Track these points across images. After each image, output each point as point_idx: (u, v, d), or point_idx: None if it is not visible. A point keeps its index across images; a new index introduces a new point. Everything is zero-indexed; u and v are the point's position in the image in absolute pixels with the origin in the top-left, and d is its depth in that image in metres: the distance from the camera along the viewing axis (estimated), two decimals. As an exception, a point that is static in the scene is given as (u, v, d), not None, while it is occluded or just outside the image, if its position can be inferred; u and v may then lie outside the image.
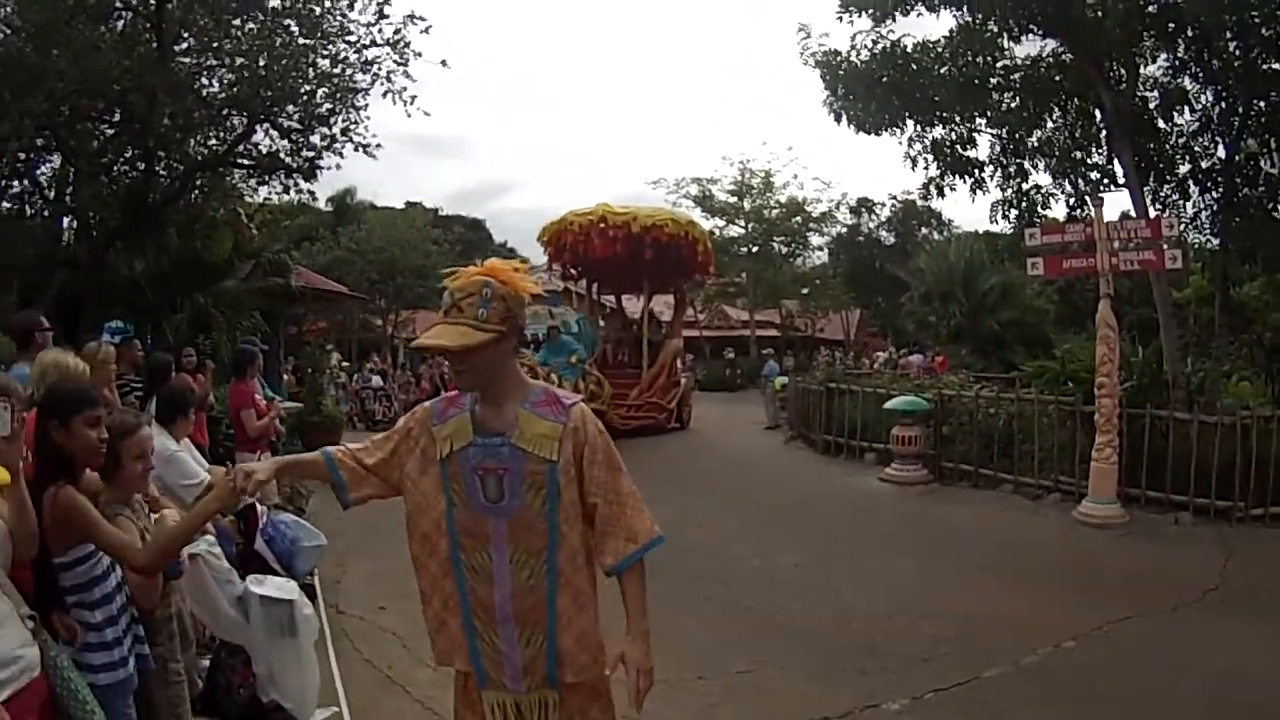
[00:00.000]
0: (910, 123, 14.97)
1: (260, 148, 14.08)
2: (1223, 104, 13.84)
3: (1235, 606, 7.27)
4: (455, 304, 2.69)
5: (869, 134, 15.02)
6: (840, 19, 14.47)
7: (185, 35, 12.86)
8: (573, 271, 21.65)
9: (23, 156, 12.88)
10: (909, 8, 13.85)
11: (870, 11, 14.11)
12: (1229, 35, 12.90)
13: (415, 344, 3.05)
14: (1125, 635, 6.52)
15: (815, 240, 44.93)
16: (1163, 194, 14.70)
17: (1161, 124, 14.40)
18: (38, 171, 13.91)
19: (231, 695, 4.60)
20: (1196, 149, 14.42)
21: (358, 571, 8.44)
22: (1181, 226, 13.59)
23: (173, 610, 3.81)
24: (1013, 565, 8.71)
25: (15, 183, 13.78)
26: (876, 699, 5.46)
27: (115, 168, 14.11)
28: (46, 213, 14.32)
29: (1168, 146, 14.47)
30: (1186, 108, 14.16)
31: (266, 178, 14.63)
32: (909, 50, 14.24)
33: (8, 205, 13.97)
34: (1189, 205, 14.74)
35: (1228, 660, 5.99)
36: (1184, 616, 7.01)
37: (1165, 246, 10.95)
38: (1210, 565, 8.44)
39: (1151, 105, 14.29)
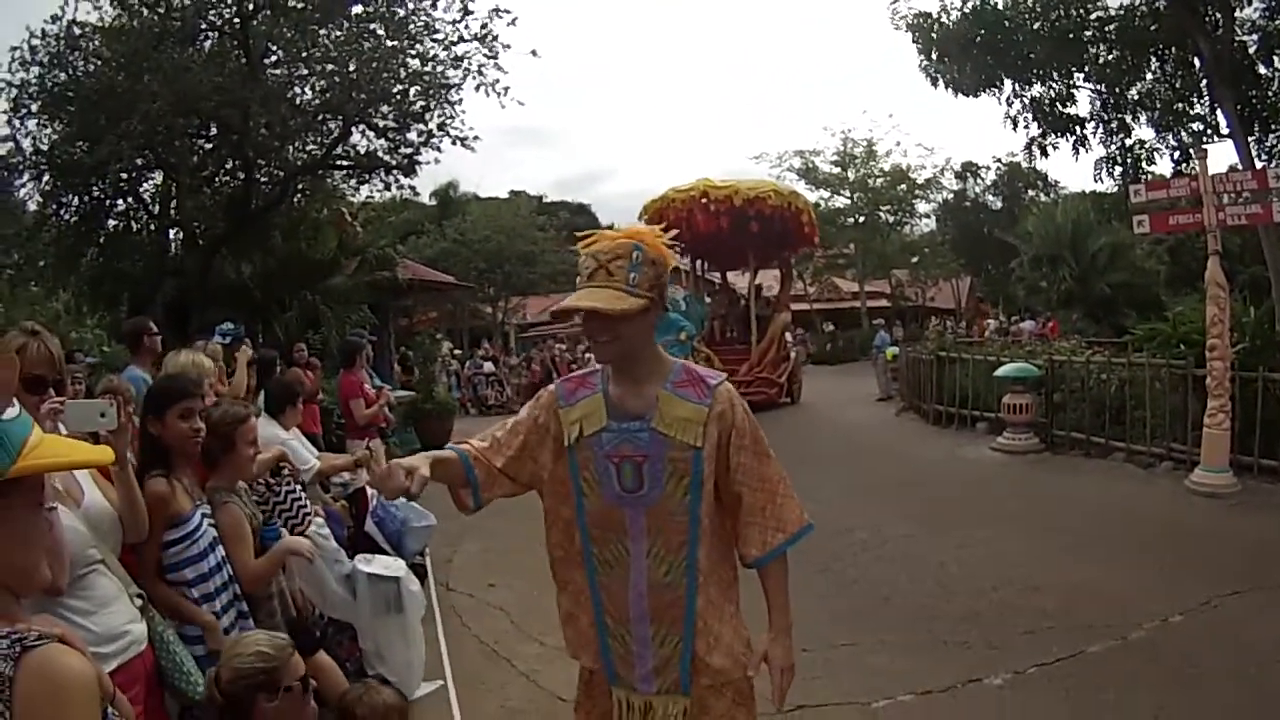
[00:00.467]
0: (1008, 82, 14.77)
1: (358, 148, 14.56)
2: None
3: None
4: (602, 265, 2.49)
5: (967, 96, 14.85)
6: (928, -21, 14.24)
7: (273, 48, 13.35)
8: (676, 248, 21.03)
9: (125, 175, 13.52)
10: (998, -40, 13.60)
11: (958, -34, 13.87)
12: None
13: (562, 306, 2.62)
14: (1233, 610, 6.26)
15: (921, 208, 44.19)
16: (1268, 143, 14.22)
17: (1262, 70, 13.89)
18: (141, 189, 14.57)
19: (341, 669, 4.80)
20: (1299, 94, 13.90)
21: (469, 550, 8.65)
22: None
23: (274, 589, 3.98)
24: (1121, 536, 8.45)
25: (120, 200, 14.46)
26: (978, 673, 5.42)
27: (216, 179, 14.79)
28: (153, 227, 14.91)
29: (1270, 93, 13.96)
30: (1286, 52, 13.67)
31: (367, 177, 15.04)
32: (1000, 7, 14.00)
33: (114, 222, 14.63)
34: (1296, 154, 14.26)
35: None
36: (1293, 591, 6.71)
37: (1274, 199, 10.55)
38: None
39: (1251, 50, 13.79)
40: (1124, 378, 12.15)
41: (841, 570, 7.74)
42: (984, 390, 14.30)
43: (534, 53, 14.50)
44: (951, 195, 45.45)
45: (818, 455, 13.35)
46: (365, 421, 8.75)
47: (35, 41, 12.50)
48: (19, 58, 12.48)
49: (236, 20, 12.91)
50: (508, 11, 13.49)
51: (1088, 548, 8.09)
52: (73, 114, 12.67)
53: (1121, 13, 13.96)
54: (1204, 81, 13.77)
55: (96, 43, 12.77)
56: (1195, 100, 14.21)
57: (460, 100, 13.93)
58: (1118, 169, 14.84)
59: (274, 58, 13.58)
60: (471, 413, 23.57)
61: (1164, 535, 8.53)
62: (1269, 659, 5.47)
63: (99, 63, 12.61)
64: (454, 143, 13.99)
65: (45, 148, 13.00)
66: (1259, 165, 12.65)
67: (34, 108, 12.77)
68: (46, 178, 13.21)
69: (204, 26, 13.30)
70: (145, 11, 12.89)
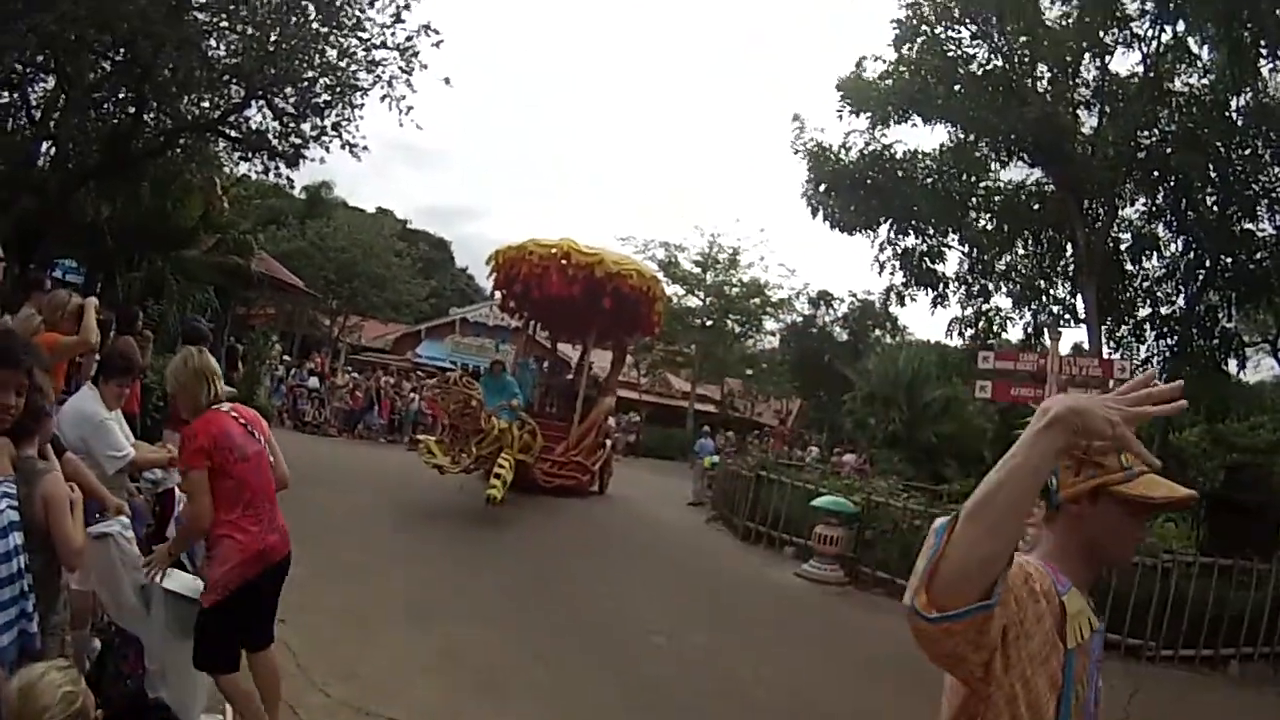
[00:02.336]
0: (885, 227, 15.24)
1: (251, 123, 14.06)
2: (1191, 255, 14.23)
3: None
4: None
5: (844, 232, 15.28)
6: (840, 116, 14.67)
7: (205, -10, 12.82)
8: (511, 304, 19.58)
9: (19, 69, 12.72)
10: (905, 115, 14.10)
11: (869, 114, 14.34)
12: (1210, 190, 13.30)
13: (1162, 497, 2.01)
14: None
15: (770, 324, 45.05)
16: (1119, 334, 15.05)
17: (1129, 266, 14.77)
18: (29, 89, 13.74)
19: (119, 684, 4.41)
20: (1159, 294, 14.84)
21: (267, 575, 8.22)
22: (1132, 369, 13.76)
23: (64, 581, 3.63)
24: (918, 675, 8.52)
25: (4, 93, 13.59)
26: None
27: (106, 105, 13.99)
28: (28, 132, 14.05)
29: (1131, 289, 14.85)
30: (1155, 254, 14.57)
31: (250, 154, 14.51)
32: (898, 157, 14.55)
33: None
34: (1143, 349, 15.12)
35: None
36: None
37: (1113, 386, 11.05)
38: (1116, 700, 8.42)
39: (1123, 247, 14.64)
40: (936, 526, 12.43)
41: (636, 670, 7.69)
42: (796, 515, 14.43)
43: (447, 80, 14.24)
44: (801, 319, 46.63)
45: (624, 546, 13.37)
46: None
47: None
48: None
49: (180, -53, 12.35)
50: (436, 32, 13.35)
51: (886, 680, 8.17)
52: None
53: (1010, 187, 14.67)
54: (1071, 267, 14.51)
55: None
56: (1059, 282, 14.97)
57: (363, 105, 13.67)
58: (970, 330, 15.41)
59: (201, 1, 13.01)
60: (287, 425, 22.68)
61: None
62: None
63: None
64: (343, 146, 13.71)
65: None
66: (1106, 354, 13.29)
67: None
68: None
69: (147, -57, 12.65)
70: None
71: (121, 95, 13.79)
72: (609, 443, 19.63)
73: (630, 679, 7.35)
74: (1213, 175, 12.77)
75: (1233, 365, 15.07)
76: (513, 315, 21.46)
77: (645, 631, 8.84)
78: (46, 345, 5.71)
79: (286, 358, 28.13)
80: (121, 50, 12.84)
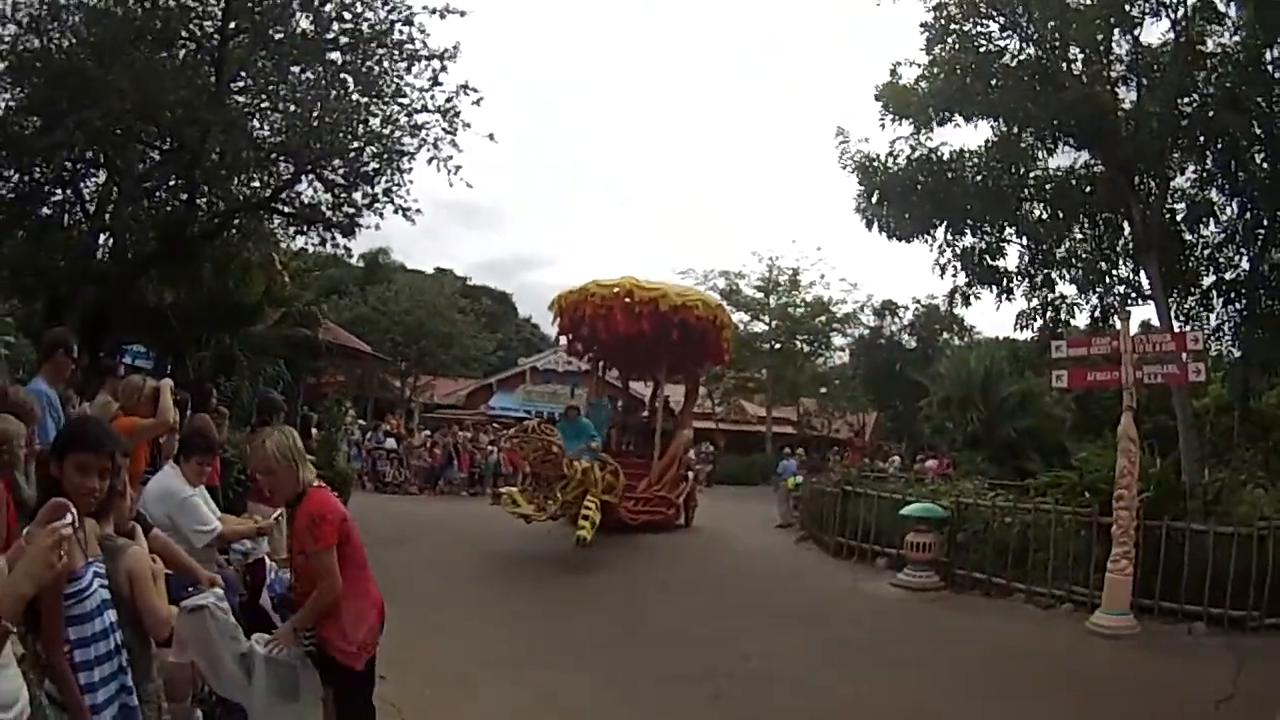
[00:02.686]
0: (941, 230, 15.13)
1: (303, 198, 14.35)
2: (1248, 215, 13.95)
3: (1247, 718, 7.14)
4: None
5: (900, 241, 15.21)
6: (882, 125, 14.64)
7: (244, 75, 13.23)
8: (578, 348, 19.86)
9: (70, 166, 13.11)
10: (948, 116, 14.03)
11: (911, 119, 14.28)
12: (1257, 148, 13.05)
13: None
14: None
15: (838, 340, 44.87)
16: (1187, 306, 14.79)
17: (1188, 236, 14.51)
18: (82, 184, 14.09)
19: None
20: (1221, 260, 14.56)
21: (361, 637, 8.32)
22: (1205, 339, 13.47)
23: (153, 651, 3.73)
24: (1021, 678, 8.51)
25: (58, 191, 13.95)
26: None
27: (158, 193, 14.33)
28: (84, 227, 14.38)
29: (1193, 258, 14.59)
30: (1212, 220, 14.31)
31: (306, 228, 14.77)
32: (945, 159, 14.49)
33: (47, 211, 14.08)
34: (1212, 317, 14.86)
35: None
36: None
37: (1188, 359, 10.90)
38: (1222, 675, 8.18)
39: (1179, 217, 14.38)
40: (1027, 521, 12.29)
41: (737, 699, 7.60)
42: (886, 526, 14.24)
43: (491, 136, 14.35)
44: (868, 331, 46.38)
45: (715, 577, 13.26)
46: (275, 488, 8.39)
47: None
48: None
49: (216, 37, 12.82)
50: (475, 90, 13.53)
51: (989, 689, 8.10)
52: (36, 86, 12.27)
53: (1059, 174, 14.51)
54: (1130, 245, 14.28)
55: (77, 19, 12.45)
56: (1120, 262, 14.73)
57: (411, 169, 13.88)
58: (1038, 321, 15.23)
59: (242, 84, 13.44)
60: (368, 488, 22.98)
61: (1065, 677, 8.62)
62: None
63: (74, 41, 12.31)
64: (397, 211, 13.93)
65: (-1, 112, 12.57)
66: (1177, 327, 13.05)
67: (0, 67, 12.40)
68: (-9, 144, 12.72)
69: (184, 35, 13.07)
70: (131, 1, 12.61)
71: (172, 182, 14.14)
72: (690, 475, 19.45)
73: (727, 708, 7.29)
74: (1258, 133, 12.55)
75: (1306, 323, 14.76)
76: (580, 358, 21.64)
77: (741, 658, 8.75)
78: (126, 429, 5.87)
79: (361, 422, 28.51)
80: (168, 139, 13.21)
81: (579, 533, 12.99)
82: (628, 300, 16.26)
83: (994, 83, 13.53)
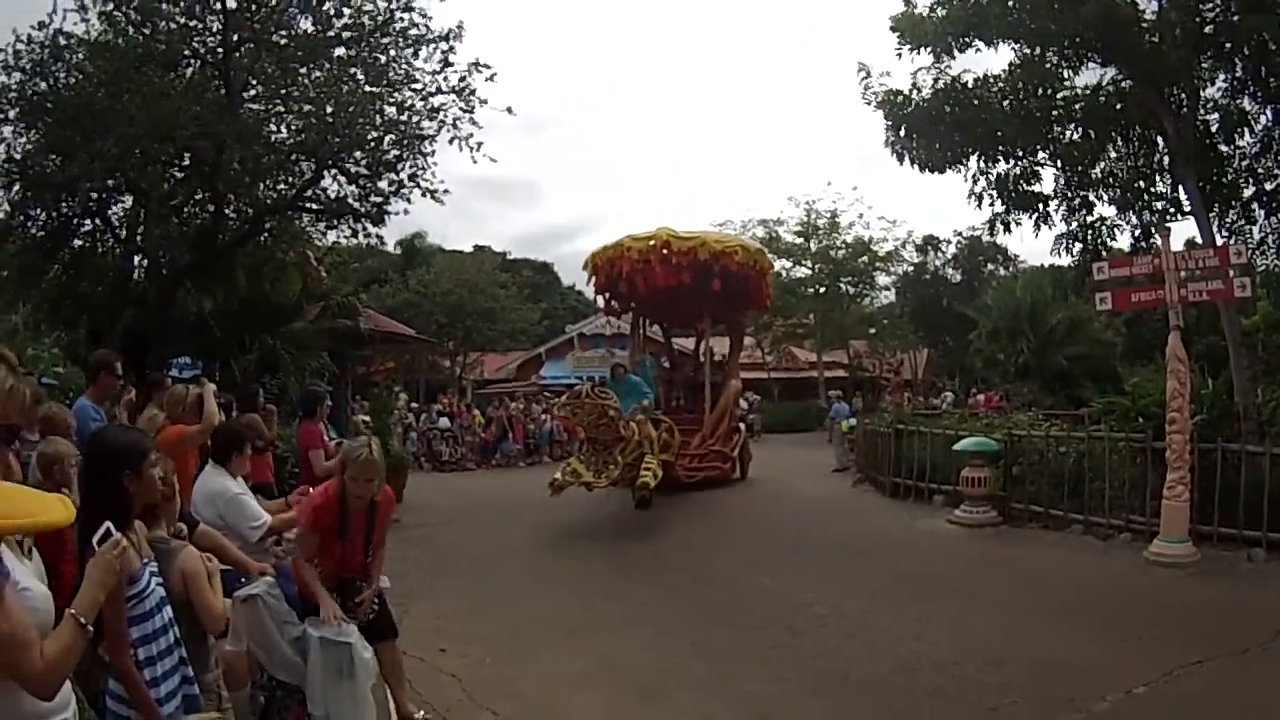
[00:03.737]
0: (974, 159, 14.86)
1: (328, 193, 14.35)
2: (1283, 122, 13.61)
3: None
4: None
5: (933, 172, 14.93)
6: (899, 55, 14.39)
7: (253, 83, 13.30)
8: (615, 305, 19.06)
9: (95, 195, 13.24)
10: (967, 43, 13.78)
11: (930, 48, 14.04)
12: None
13: None
14: (1197, 679, 6.30)
15: (882, 279, 44.56)
16: (1228, 220, 14.48)
17: (1224, 148, 14.16)
18: (109, 211, 14.24)
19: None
20: (1260, 171, 14.17)
21: (420, 612, 8.46)
22: (1249, 252, 13.19)
23: (210, 643, 3.87)
24: (1082, 608, 8.45)
25: (88, 221, 14.15)
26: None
27: (185, 209, 14.48)
28: (117, 252, 14.58)
29: (1231, 170, 14.23)
30: (1247, 129, 13.94)
31: (335, 222, 14.81)
32: (970, 86, 14.18)
33: (79, 243, 14.29)
34: (1255, 230, 14.52)
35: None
36: (1256, 658, 6.76)
37: (1233, 274, 10.66)
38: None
39: (1213, 129, 14.05)
40: (1082, 450, 12.20)
41: (798, 645, 7.61)
42: (941, 463, 14.24)
43: (509, 110, 14.27)
44: (912, 268, 46.08)
45: (773, 527, 13.24)
46: (325, 474, 8.48)
47: (20, 46, 12.30)
48: (2, 61, 12.28)
49: (219, 50, 12.88)
50: (487, 66, 13.50)
51: (1049, 620, 8.07)
52: (49, 126, 12.47)
53: (1087, 92, 14.19)
54: (1166, 160, 13.99)
55: (80, 56, 12.61)
56: (1157, 178, 14.43)
57: (433, 152, 13.86)
58: (1078, 245, 14.99)
59: (253, 92, 13.52)
60: (425, 468, 23.27)
61: (1126, 606, 8.57)
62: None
63: (80, 77, 12.49)
64: (424, 194, 13.89)
65: (18, 157, 12.77)
66: (1220, 242, 12.82)
67: (11, 114, 12.56)
68: (16, 188, 12.94)
69: (187, 54, 13.21)
70: (131, 30, 12.77)
71: (198, 196, 14.28)
72: (742, 426, 19.36)
73: (792, 658, 7.28)
74: (1287, 34, 12.25)
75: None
76: (619, 316, 21.60)
77: (803, 605, 8.78)
78: (173, 438, 6.04)
79: (414, 405, 28.78)
80: (186, 155, 13.31)
81: (640, 490, 13.09)
82: (665, 252, 15.97)
83: (1011, 3, 13.25)
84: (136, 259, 14.76)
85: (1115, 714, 5.82)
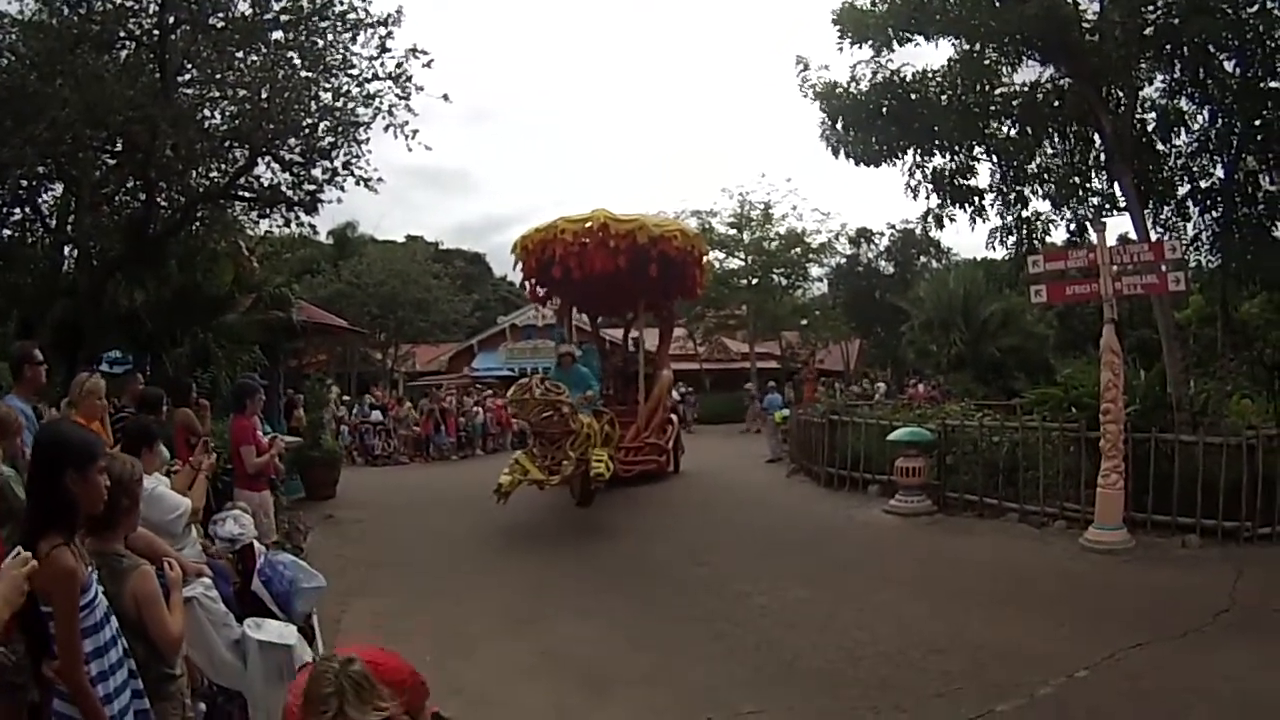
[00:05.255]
0: (910, 153, 14.97)
1: (262, 180, 13.99)
2: (1220, 123, 13.90)
3: (1246, 628, 7.24)
4: None
5: (869, 166, 15.00)
6: (840, 49, 14.44)
7: (188, 66, 12.92)
8: (540, 291, 18.46)
9: (24, 184, 12.85)
10: (907, 37, 13.87)
11: (870, 41, 14.10)
12: (1226, 54, 12.99)
13: None
14: (1137, 662, 6.46)
15: (815, 271, 44.59)
16: (1163, 216, 14.77)
17: (1160, 146, 14.43)
18: (39, 200, 13.82)
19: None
20: (1195, 169, 14.50)
21: (359, 609, 8.40)
22: (1183, 248, 13.44)
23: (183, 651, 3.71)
24: (1020, 595, 8.62)
25: (16, 210, 13.69)
26: (888, 738, 5.34)
27: (116, 198, 14.05)
28: (47, 241, 14.14)
29: (1166, 168, 14.53)
30: (1184, 129, 14.24)
31: (268, 210, 14.47)
32: (908, 80, 14.29)
33: (9, 233, 13.84)
34: (1189, 226, 14.84)
35: (1241, 684, 5.96)
36: (1195, 641, 6.96)
37: (1167, 269, 10.90)
38: (1220, 587, 8.36)
39: (1150, 128, 14.31)
40: (1016, 440, 12.39)
41: (740, 636, 7.64)
42: (875, 453, 14.37)
43: (445, 97, 14.01)
44: (845, 260, 46.42)
45: (711, 519, 13.28)
46: (256, 469, 8.28)
47: None
48: None
49: (155, 32, 12.43)
50: (425, 53, 13.27)
51: (989, 607, 8.21)
52: None
53: (1026, 89, 14.37)
54: (1103, 157, 14.21)
55: (13, 36, 12.18)
56: (1093, 174, 14.67)
57: (368, 139, 13.59)
58: (1012, 238, 15.19)
59: (188, 76, 13.10)
60: (358, 462, 23.01)
61: (1064, 592, 8.76)
62: (1175, 708, 5.68)
63: (13, 58, 12.09)
64: (358, 183, 13.61)
65: (-55, 143, 12.31)
66: (1154, 237, 13.05)
67: None
68: (-57, 176, 12.46)
69: (122, 35, 12.70)
70: (66, 10, 12.28)
71: (129, 184, 13.85)
72: (674, 418, 19.02)
73: (735, 646, 7.33)
74: (1227, 38, 12.46)
75: (1282, 230, 14.76)
76: (545, 303, 20.98)
77: (744, 595, 8.83)
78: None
79: (346, 398, 28.44)
80: (119, 141, 12.96)
81: (595, 482, 12.71)
82: (602, 234, 15.30)
83: (952, -1, 13.39)
84: (67, 249, 14.31)
85: (1059, 698, 5.93)
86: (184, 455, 7.01)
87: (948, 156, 15.02)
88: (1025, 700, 5.87)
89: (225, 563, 5.60)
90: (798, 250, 41.39)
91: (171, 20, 12.43)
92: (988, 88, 14.32)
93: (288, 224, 14.69)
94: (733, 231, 40.59)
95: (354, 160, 13.58)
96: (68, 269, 14.18)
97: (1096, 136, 14.18)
